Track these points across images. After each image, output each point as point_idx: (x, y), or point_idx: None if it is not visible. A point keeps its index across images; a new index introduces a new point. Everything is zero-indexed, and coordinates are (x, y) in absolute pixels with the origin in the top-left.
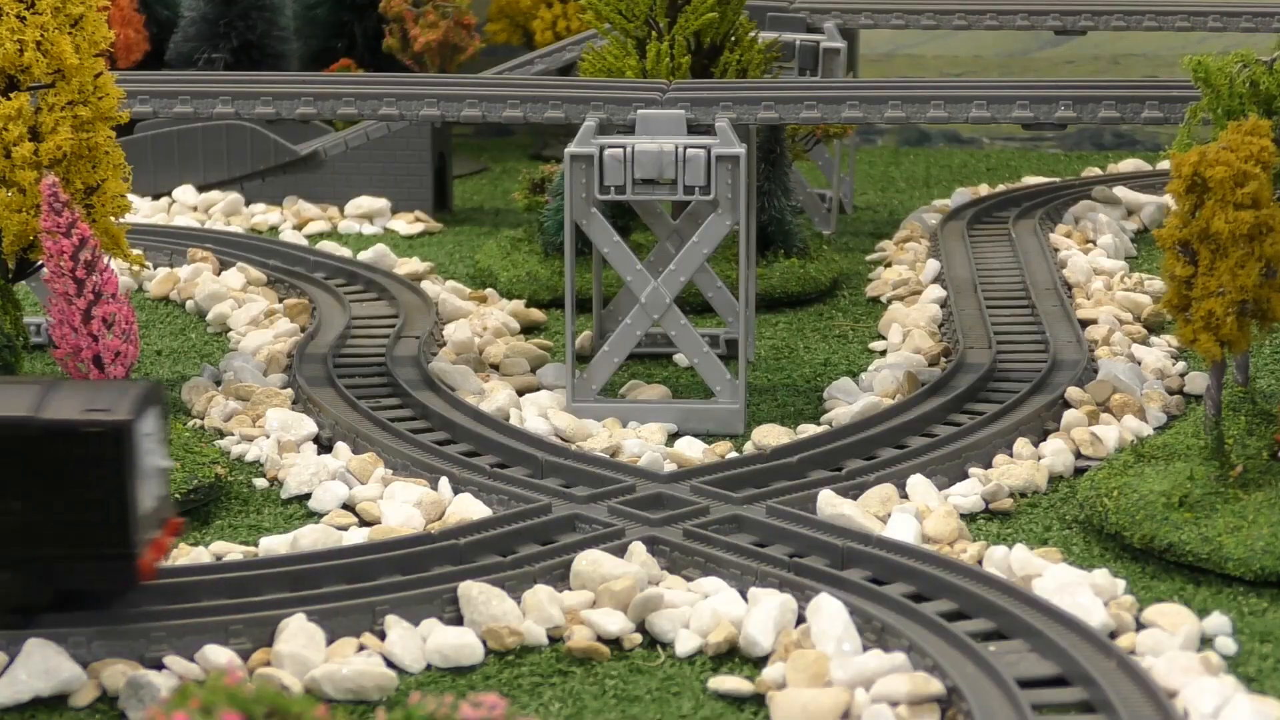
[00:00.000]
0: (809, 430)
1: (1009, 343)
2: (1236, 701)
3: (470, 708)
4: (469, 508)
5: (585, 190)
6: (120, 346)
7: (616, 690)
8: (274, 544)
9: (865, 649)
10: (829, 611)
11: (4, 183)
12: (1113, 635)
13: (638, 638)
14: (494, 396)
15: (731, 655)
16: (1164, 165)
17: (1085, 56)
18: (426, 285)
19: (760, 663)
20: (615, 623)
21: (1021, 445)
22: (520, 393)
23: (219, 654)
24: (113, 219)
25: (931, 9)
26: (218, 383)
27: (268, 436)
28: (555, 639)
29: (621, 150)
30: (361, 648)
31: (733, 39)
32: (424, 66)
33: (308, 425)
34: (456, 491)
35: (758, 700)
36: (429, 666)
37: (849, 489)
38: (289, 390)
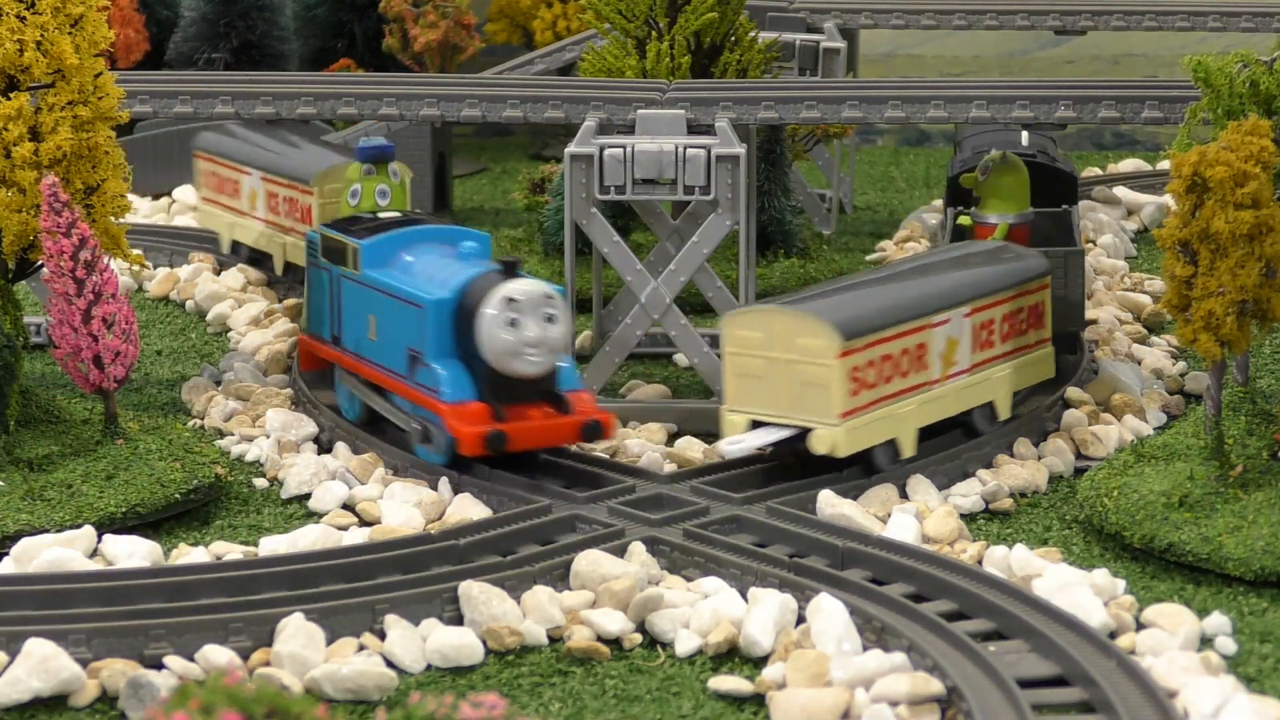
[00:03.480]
0: None
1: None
2: (1236, 701)
3: (470, 708)
4: (469, 508)
5: (585, 190)
6: (120, 346)
7: (616, 690)
8: (274, 544)
9: (865, 649)
10: (829, 611)
11: (4, 183)
12: (1113, 635)
13: (638, 638)
14: None
15: (731, 655)
16: (1164, 165)
17: (1085, 56)
18: None
19: (760, 663)
20: (615, 623)
21: (1021, 445)
22: None
23: (219, 654)
24: (113, 219)
25: (931, 9)
26: (218, 383)
27: (268, 436)
28: (555, 639)
29: (621, 150)
30: (361, 648)
31: (733, 39)
32: (424, 66)
33: (308, 425)
34: (456, 491)
35: (758, 700)
36: (429, 666)
37: (849, 489)
38: (289, 390)
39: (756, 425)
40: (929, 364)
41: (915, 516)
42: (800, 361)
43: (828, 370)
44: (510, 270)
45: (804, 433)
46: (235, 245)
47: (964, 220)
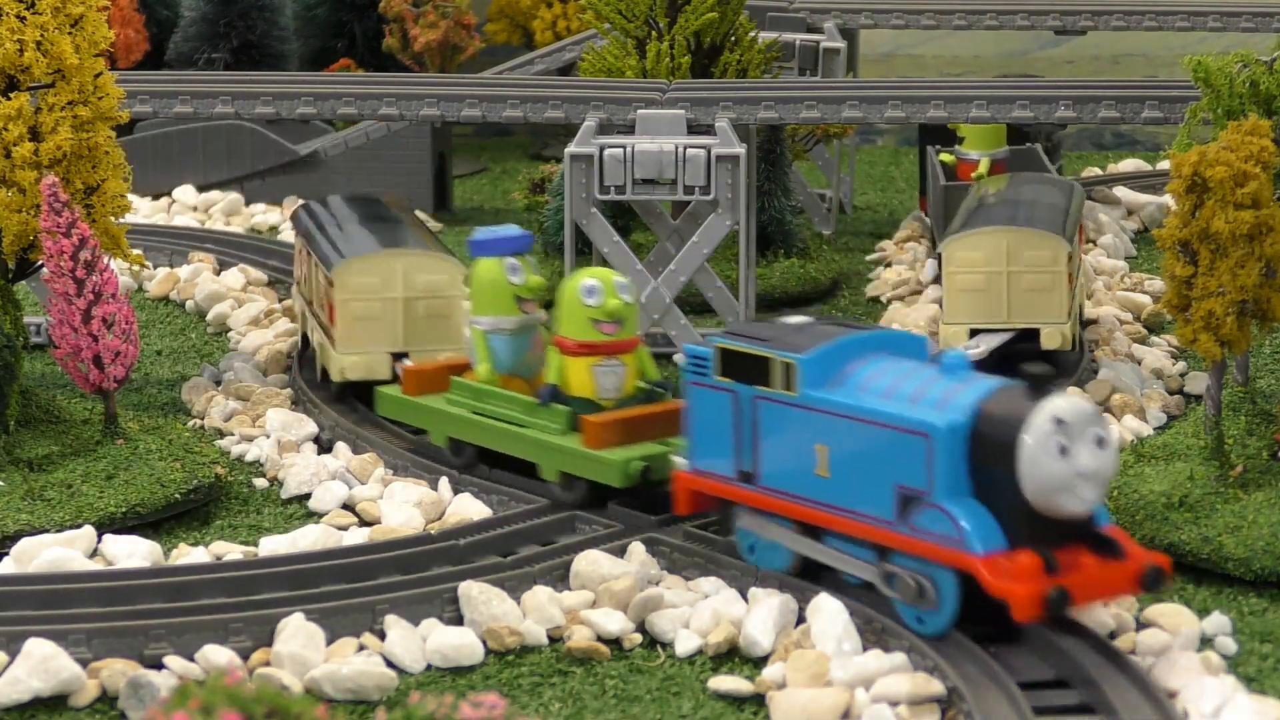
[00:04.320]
0: None
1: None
2: (1236, 701)
3: (470, 708)
4: (469, 508)
5: (585, 190)
6: (120, 346)
7: (616, 690)
8: (274, 544)
9: (865, 649)
10: (829, 611)
11: (4, 183)
12: (1113, 635)
13: (638, 638)
14: None
15: (731, 655)
16: (1164, 165)
17: (1085, 56)
18: None
19: (760, 663)
20: (615, 623)
21: None
22: None
23: (219, 654)
24: (113, 219)
25: (931, 9)
26: (218, 383)
27: (268, 436)
28: (555, 639)
29: (621, 150)
30: (361, 648)
31: (733, 39)
32: (424, 66)
33: (308, 425)
34: (456, 491)
35: (758, 700)
36: (429, 666)
37: None
38: (289, 390)
39: (974, 334)
40: (1074, 269)
41: None
42: (1027, 271)
43: (1057, 276)
44: (1039, 385)
45: (1023, 334)
46: (306, 342)
47: (947, 158)
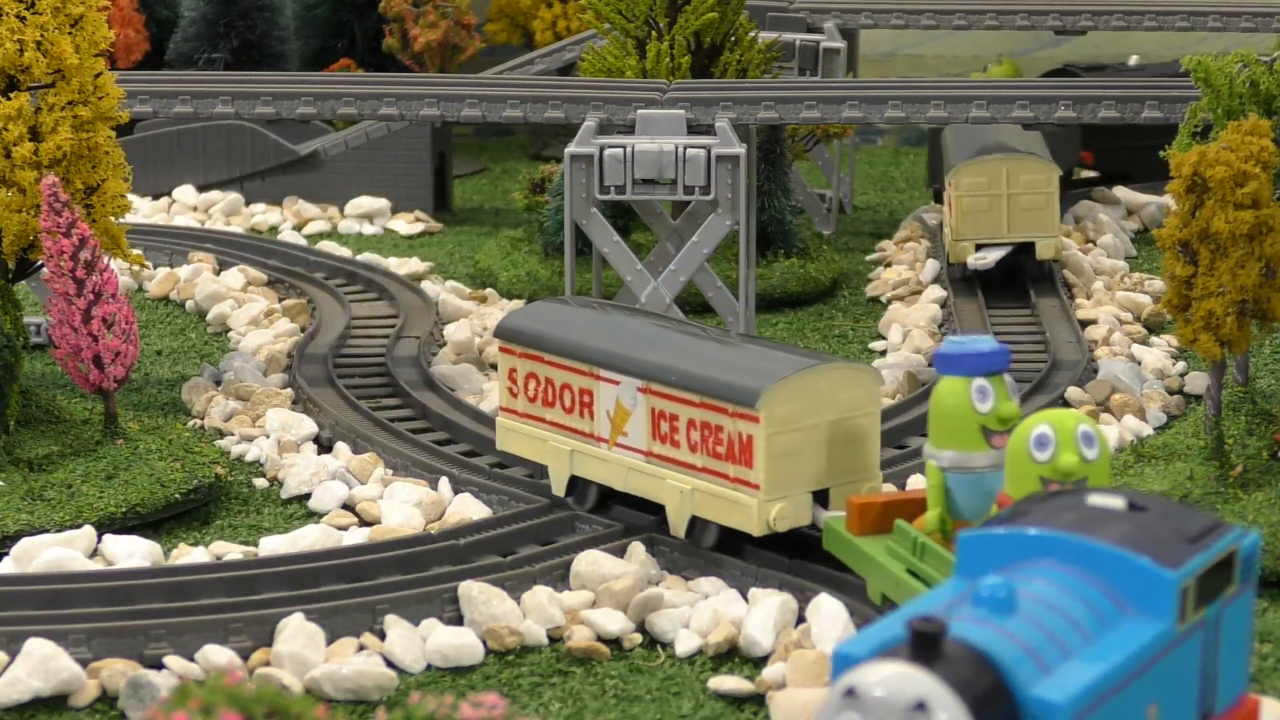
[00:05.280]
0: None
1: (1009, 342)
2: None
3: (470, 708)
4: (469, 508)
5: (585, 190)
6: (120, 346)
7: (616, 690)
8: (274, 544)
9: None
10: (829, 612)
11: (4, 183)
12: None
13: (638, 638)
14: (494, 397)
15: (731, 655)
16: None
17: (1085, 56)
18: (426, 285)
19: (760, 663)
20: (615, 623)
21: None
22: None
23: (219, 654)
24: (113, 219)
25: (931, 9)
26: (218, 383)
27: (268, 436)
28: (555, 639)
29: (621, 150)
30: (361, 648)
31: (733, 39)
32: (424, 66)
33: (308, 425)
34: (456, 491)
35: (758, 700)
36: (429, 666)
37: None
38: (289, 390)
39: (979, 248)
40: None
41: None
42: (1024, 193)
43: (1050, 195)
44: (924, 645)
45: (1019, 247)
46: (576, 483)
47: None
